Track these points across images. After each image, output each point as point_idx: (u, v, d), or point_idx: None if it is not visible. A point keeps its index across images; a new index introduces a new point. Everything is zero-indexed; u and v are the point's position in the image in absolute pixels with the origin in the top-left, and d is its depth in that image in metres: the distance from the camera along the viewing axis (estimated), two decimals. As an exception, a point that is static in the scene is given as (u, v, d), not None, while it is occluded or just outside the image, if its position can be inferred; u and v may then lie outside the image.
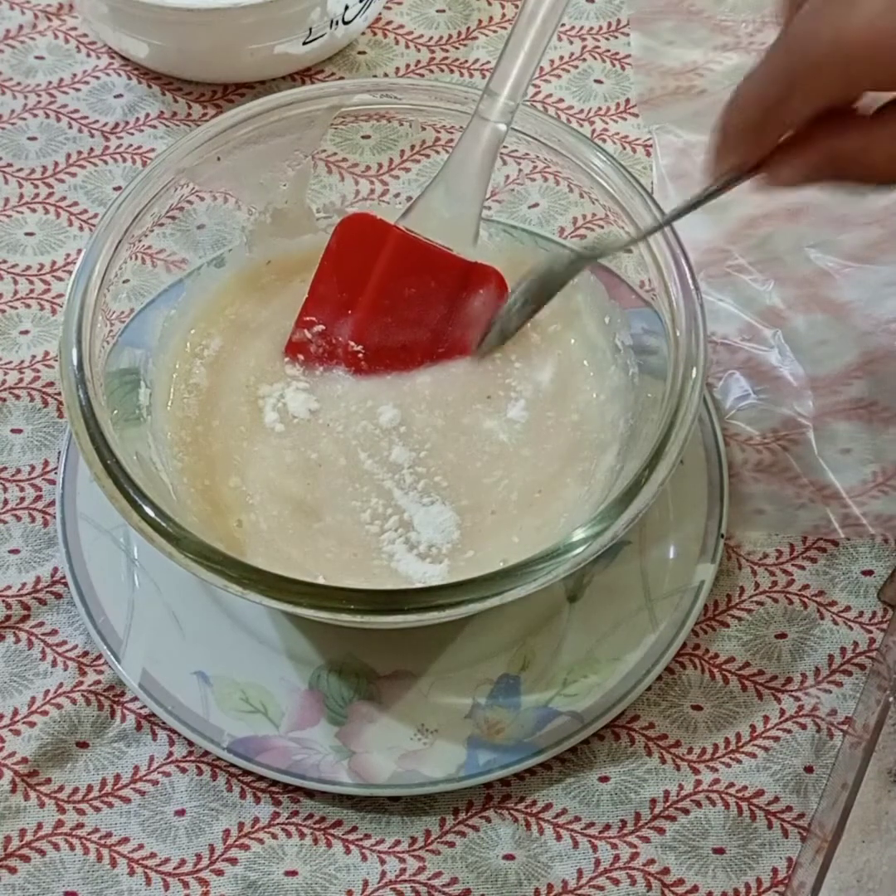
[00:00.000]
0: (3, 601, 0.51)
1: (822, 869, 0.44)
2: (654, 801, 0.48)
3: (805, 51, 0.37)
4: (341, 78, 0.66)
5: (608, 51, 0.67)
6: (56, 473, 0.53)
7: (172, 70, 0.65)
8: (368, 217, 0.51)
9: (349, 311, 0.51)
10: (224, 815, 0.48)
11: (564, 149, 0.50)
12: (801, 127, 0.39)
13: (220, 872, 0.47)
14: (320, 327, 0.51)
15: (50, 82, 0.65)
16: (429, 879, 0.47)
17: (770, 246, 0.60)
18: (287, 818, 0.48)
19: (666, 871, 0.47)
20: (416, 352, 0.51)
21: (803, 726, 0.49)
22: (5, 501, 0.54)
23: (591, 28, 0.68)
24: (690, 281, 0.47)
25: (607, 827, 0.48)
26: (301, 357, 0.51)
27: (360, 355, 0.51)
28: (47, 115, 0.64)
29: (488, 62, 0.66)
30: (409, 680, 0.49)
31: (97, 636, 0.49)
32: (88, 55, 0.66)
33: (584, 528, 0.42)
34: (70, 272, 0.58)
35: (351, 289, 0.51)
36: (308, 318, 0.51)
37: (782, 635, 0.51)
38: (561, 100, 0.65)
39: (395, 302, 0.51)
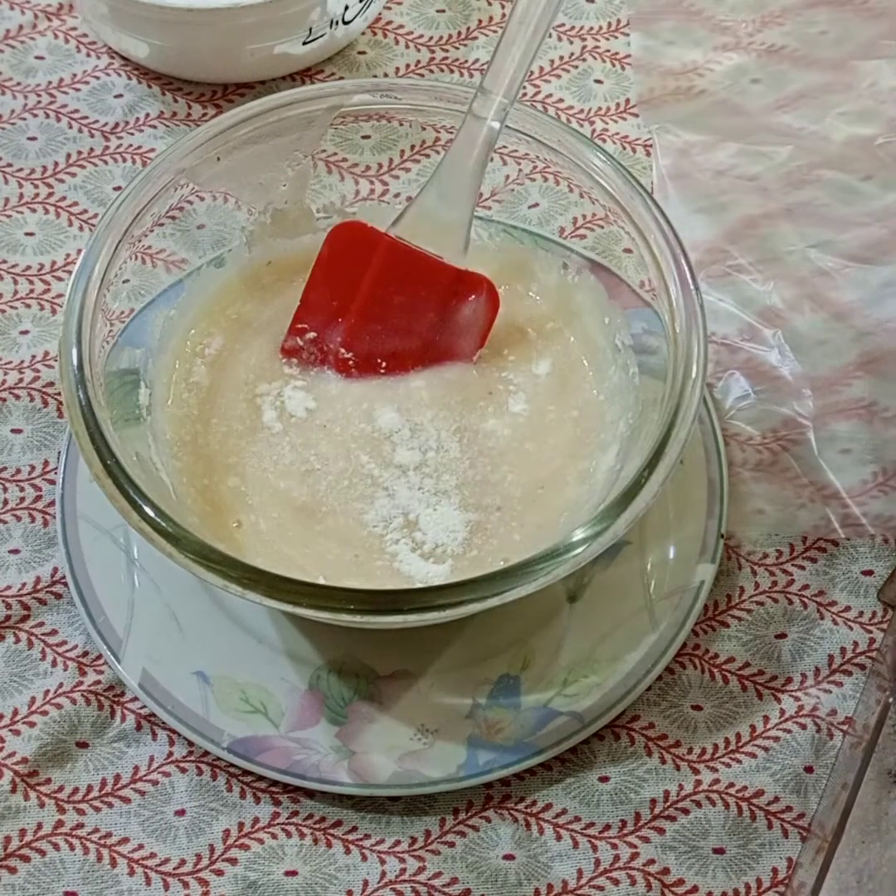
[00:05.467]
0: (3, 601, 0.51)
1: (822, 869, 0.44)
2: (654, 802, 0.48)
3: None
4: (341, 78, 0.66)
5: (608, 51, 0.67)
6: (56, 473, 0.53)
7: (172, 70, 0.65)
8: (359, 225, 0.51)
9: (340, 319, 0.51)
10: (224, 815, 0.48)
11: (564, 149, 0.50)
12: None
13: (220, 872, 0.47)
14: (312, 334, 0.51)
15: (50, 82, 0.65)
16: (429, 879, 0.47)
17: (770, 246, 0.60)
18: (287, 818, 0.48)
19: (666, 871, 0.47)
20: (406, 359, 0.51)
21: (803, 726, 0.49)
22: (5, 501, 0.54)
23: (591, 28, 0.68)
24: (690, 281, 0.47)
25: (607, 827, 0.48)
26: (295, 361, 0.52)
27: (351, 362, 0.51)
28: (47, 115, 0.64)
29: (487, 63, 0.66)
30: (409, 680, 0.49)
31: (97, 636, 0.49)
32: (88, 55, 0.66)
33: (584, 528, 0.42)
34: (70, 272, 0.58)
35: (341, 296, 0.51)
36: (300, 326, 0.52)
37: (782, 635, 0.51)
38: (561, 100, 0.65)
39: (385, 310, 0.51)
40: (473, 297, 0.51)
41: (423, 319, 0.51)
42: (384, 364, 0.51)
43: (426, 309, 0.51)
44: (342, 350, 0.51)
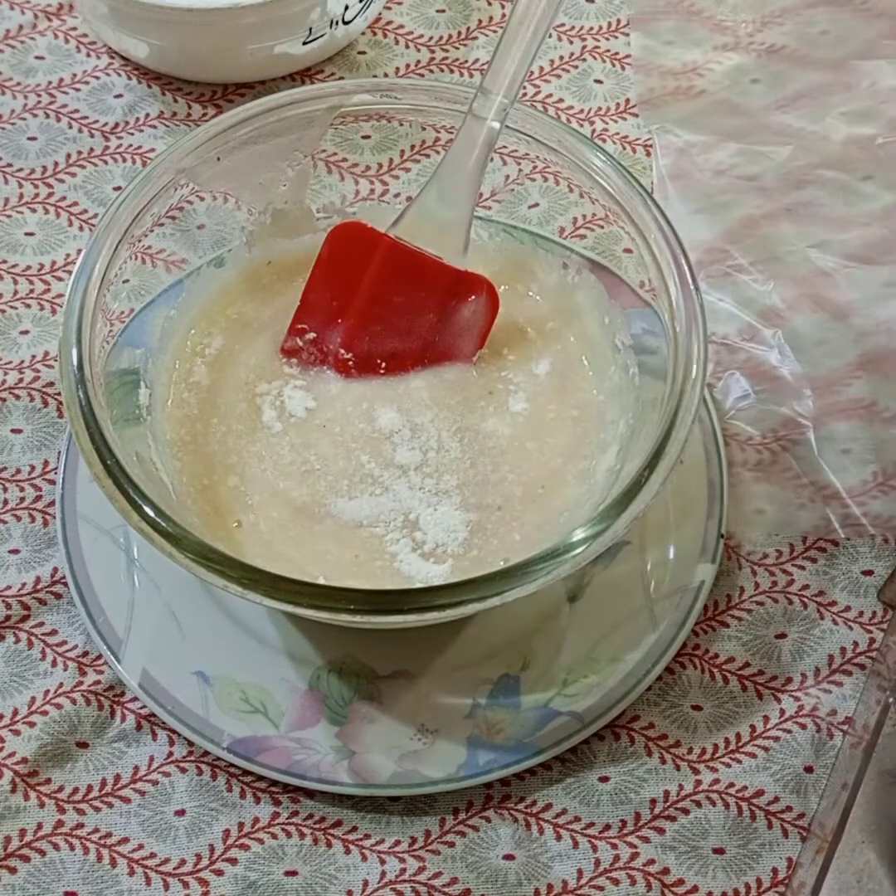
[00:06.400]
0: (3, 601, 0.51)
1: (822, 869, 0.44)
2: (654, 802, 0.48)
3: None
4: (341, 78, 0.66)
5: (608, 51, 0.67)
6: (56, 473, 0.53)
7: (172, 70, 0.65)
8: (359, 225, 0.51)
9: (339, 319, 0.51)
10: (224, 815, 0.48)
11: (564, 149, 0.50)
12: None
13: (220, 872, 0.47)
14: (312, 334, 0.51)
15: (50, 82, 0.65)
16: (429, 879, 0.47)
17: (770, 246, 0.60)
18: (287, 818, 0.48)
19: (666, 871, 0.47)
20: (405, 360, 0.51)
21: (803, 726, 0.49)
22: (5, 501, 0.54)
23: (591, 28, 0.68)
24: (690, 281, 0.47)
25: (607, 827, 0.48)
26: (295, 361, 0.52)
27: (351, 363, 0.51)
28: (47, 115, 0.64)
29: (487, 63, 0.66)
30: (409, 680, 0.49)
31: (97, 636, 0.49)
32: (88, 55, 0.66)
33: (584, 528, 0.42)
34: (70, 272, 0.58)
35: (341, 297, 0.51)
36: (300, 326, 0.52)
37: (782, 635, 0.51)
38: (561, 100, 0.65)
39: (384, 310, 0.51)
40: (473, 297, 0.51)
41: (422, 320, 0.51)
42: (384, 364, 0.51)
43: (426, 309, 0.51)
44: (342, 350, 0.51)
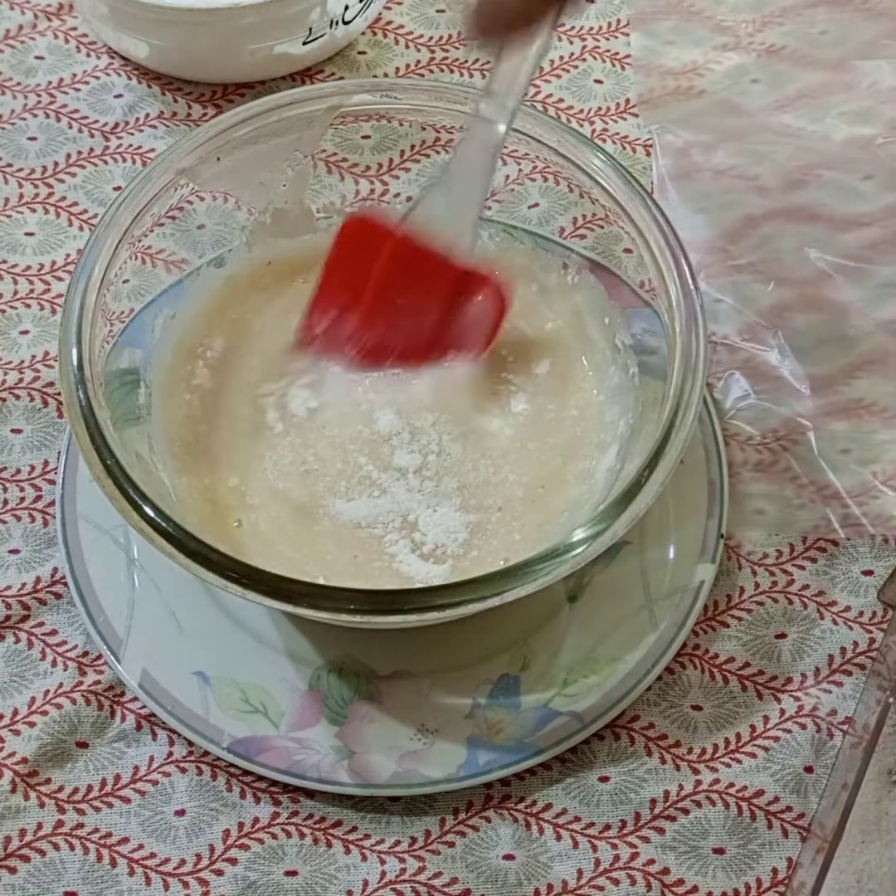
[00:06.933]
0: (3, 601, 0.51)
1: (822, 869, 0.44)
2: (654, 802, 0.48)
3: None
4: (341, 78, 0.66)
5: (608, 51, 0.67)
6: (56, 473, 0.53)
7: (172, 70, 0.65)
8: (370, 219, 0.51)
9: (348, 319, 0.51)
10: (224, 815, 0.48)
11: (564, 149, 0.50)
12: None
13: (220, 872, 0.47)
14: (319, 334, 0.51)
15: (50, 82, 0.65)
16: (429, 879, 0.47)
17: (770, 246, 0.60)
18: (287, 818, 0.48)
19: (666, 871, 0.47)
20: (412, 357, 0.51)
21: (803, 726, 0.49)
22: (5, 501, 0.54)
23: (591, 28, 0.68)
24: (690, 281, 0.47)
25: (607, 827, 0.48)
26: (296, 362, 0.52)
27: (356, 363, 0.51)
28: (47, 115, 0.64)
29: (488, 62, 0.66)
30: (409, 680, 0.49)
31: (97, 636, 0.49)
32: (88, 55, 0.66)
33: (584, 528, 0.42)
34: (70, 272, 0.59)
35: (351, 293, 0.51)
36: (308, 325, 0.51)
37: (782, 635, 0.51)
38: (561, 100, 0.65)
39: (392, 308, 0.51)
40: (481, 294, 0.51)
41: (430, 317, 0.51)
42: (389, 364, 0.51)
43: (434, 307, 0.51)
44: (347, 350, 0.51)
